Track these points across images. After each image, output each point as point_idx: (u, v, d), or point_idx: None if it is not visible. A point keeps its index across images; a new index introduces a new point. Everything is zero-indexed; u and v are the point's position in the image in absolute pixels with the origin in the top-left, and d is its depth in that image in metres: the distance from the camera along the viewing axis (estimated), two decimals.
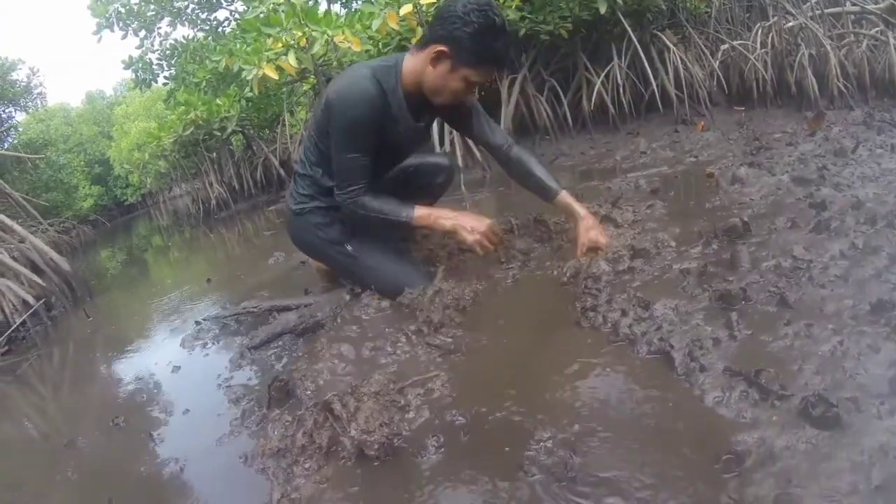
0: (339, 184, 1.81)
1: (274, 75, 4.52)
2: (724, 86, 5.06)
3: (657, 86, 4.97)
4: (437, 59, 1.66)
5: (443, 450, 1.16)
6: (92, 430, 1.86)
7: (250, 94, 6.53)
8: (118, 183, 22.65)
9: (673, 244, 1.81)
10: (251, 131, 8.91)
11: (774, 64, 4.82)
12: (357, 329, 1.78)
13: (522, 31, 4.84)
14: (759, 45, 4.85)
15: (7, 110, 11.68)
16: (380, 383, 1.34)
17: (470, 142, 4.82)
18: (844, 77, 4.50)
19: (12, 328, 3.65)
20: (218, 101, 7.53)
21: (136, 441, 1.66)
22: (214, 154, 9.36)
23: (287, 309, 2.20)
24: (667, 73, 5.01)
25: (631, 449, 1.02)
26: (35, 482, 1.64)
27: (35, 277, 4.24)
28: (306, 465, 1.21)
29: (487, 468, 1.07)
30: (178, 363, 2.15)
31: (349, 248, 1.95)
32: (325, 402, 1.29)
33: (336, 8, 7.42)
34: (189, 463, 1.45)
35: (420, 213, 1.81)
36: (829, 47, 4.49)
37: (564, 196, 1.91)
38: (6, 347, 3.46)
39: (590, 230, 1.84)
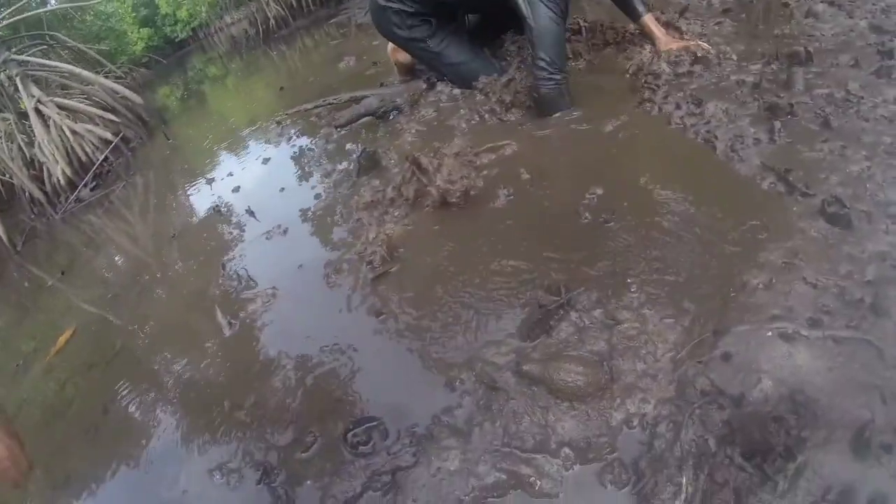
0: None
1: None
2: None
3: None
4: None
5: (511, 197, 1.36)
6: (196, 218, 2.12)
7: None
8: (166, 21, 20.91)
9: (734, 58, 1.82)
10: None
11: None
12: (434, 111, 1.97)
13: None
14: None
15: None
16: (458, 146, 1.51)
17: None
18: None
19: (96, 165, 3.97)
20: None
21: (238, 218, 1.92)
22: None
23: (366, 98, 2.32)
24: None
25: (672, 200, 1.20)
26: (153, 267, 1.96)
27: (110, 115, 4.48)
28: (395, 213, 1.43)
29: (547, 211, 1.28)
30: (267, 156, 2.32)
31: (430, 44, 2.12)
32: (413, 158, 1.45)
33: None
34: (291, 227, 1.69)
35: None
36: None
37: (649, 19, 2.11)
38: (94, 183, 3.79)
39: (669, 44, 2.02)
